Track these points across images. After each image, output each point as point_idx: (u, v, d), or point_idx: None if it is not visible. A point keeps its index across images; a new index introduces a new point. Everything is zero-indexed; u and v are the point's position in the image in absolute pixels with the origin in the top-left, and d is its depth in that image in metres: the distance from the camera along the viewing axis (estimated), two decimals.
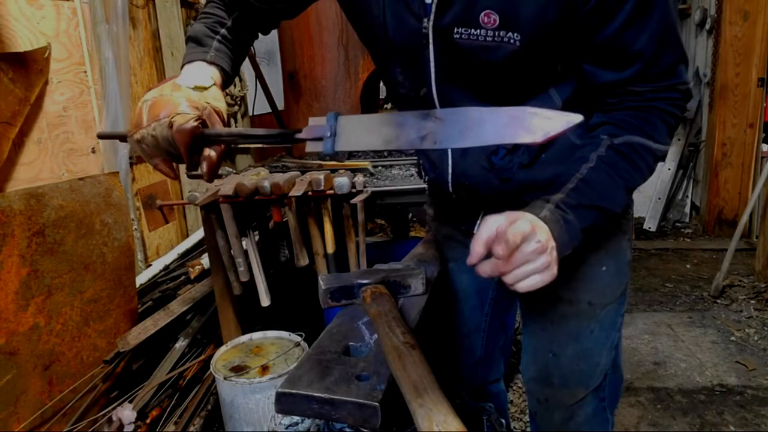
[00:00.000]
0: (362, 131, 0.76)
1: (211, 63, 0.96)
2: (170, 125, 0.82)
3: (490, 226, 0.77)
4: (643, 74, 0.85)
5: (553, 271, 0.79)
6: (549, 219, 0.81)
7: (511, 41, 0.81)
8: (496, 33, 0.82)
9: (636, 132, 0.87)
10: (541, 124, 0.63)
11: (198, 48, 0.98)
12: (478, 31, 0.82)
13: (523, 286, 0.78)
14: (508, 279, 0.78)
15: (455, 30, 0.84)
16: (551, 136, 0.62)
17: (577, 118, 0.62)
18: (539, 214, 0.81)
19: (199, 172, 0.89)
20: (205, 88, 0.90)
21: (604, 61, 0.87)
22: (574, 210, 0.84)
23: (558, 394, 1.13)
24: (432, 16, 0.85)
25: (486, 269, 0.79)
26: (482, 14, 0.81)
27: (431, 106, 0.95)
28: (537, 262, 0.77)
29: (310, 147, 0.78)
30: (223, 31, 1.01)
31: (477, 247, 0.78)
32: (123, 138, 0.94)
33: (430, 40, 0.88)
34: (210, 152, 0.86)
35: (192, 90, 0.88)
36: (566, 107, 0.91)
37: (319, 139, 0.76)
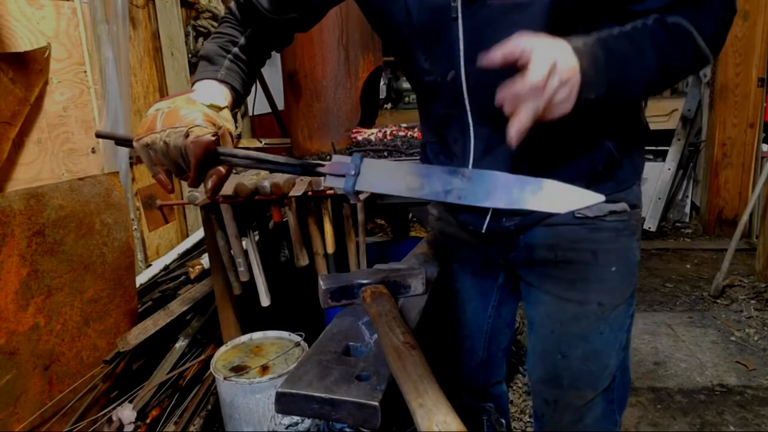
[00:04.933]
0: (386, 176, 0.78)
1: (221, 81, 0.96)
2: (186, 135, 0.81)
3: (518, 43, 0.73)
4: None
5: (569, 105, 0.75)
6: (581, 51, 0.77)
7: None
8: None
9: (686, 17, 0.83)
10: (565, 196, 0.68)
11: (209, 66, 0.98)
12: None
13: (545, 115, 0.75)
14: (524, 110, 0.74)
15: None
16: (573, 209, 0.67)
17: (599, 198, 0.66)
18: (572, 42, 0.77)
19: (201, 187, 0.89)
20: (220, 108, 0.90)
21: None
22: (609, 52, 0.80)
23: (567, 396, 1.12)
24: None
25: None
26: None
27: (459, 93, 0.93)
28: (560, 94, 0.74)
29: (330, 182, 0.80)
30: (235, 50, 1.01)
31: (495, 53, 0.74)
32: (122, 142, 0.93)
33: (459, 14, 0.86)
34: (219, 167, 0.86)
35: (207, 107, 0.88)
36: None
37: (341, 175, 0.79)
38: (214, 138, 0.82)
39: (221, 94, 0.93)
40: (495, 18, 0.84)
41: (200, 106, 0.87)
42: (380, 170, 0.78)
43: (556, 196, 0.68)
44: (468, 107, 0.95)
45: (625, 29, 0.83)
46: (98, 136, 1.03)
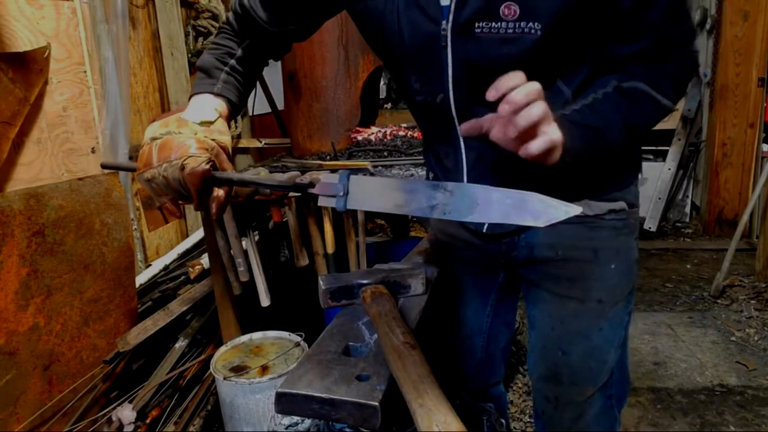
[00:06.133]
0: (373, 193, 0.81)
1: (217, 95, 0.99)
2: (182, 167, 0.84)
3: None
4: (657, 44, 0.87)
5: (555, 156, 0.78)
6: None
7: (532, 31, 0.83)
8: (517, 24, 0.83)
9: (643, 81, 0.89)
10: (544, 210, 0.71)
11: (206, 80, 1.01)
12: (499, 24, 0.84)
13: (533, 146, 0.75)
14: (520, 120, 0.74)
15: (476, 24, 0.85)
16: (553, 222, 0.70)
17: (576, 210, 0.70)
18: None
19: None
20: (211, 123, 0.93)
21: (620, 36, 0.88)
22: (575, 125, 0.85)
23: (567, 392, 1.14)
24: (451, 17, 0.86)
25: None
26: (502, 6, 0.83)
27: (448, 113, 0.96)
28: (546, 125, 0.75)
29: (322, 202, 0.84)
30: (232, 62, 1.03)
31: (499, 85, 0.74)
32: (127, 170, 0.97)
33: (449, 42, 0.89)
34: (219, 192, 0.90)
35: (198, 125, 0.91)
36: (575, 97, 0.93)
37: (332, 195, 0.82)
38: (208, 166, 0.86)
39: (212, 107, 0.96)
40: (483, 49, 0.87)
41: (192, 127, 0.90)
42: (368, 188, 0.82)
43: (537, 210, 0.70)
44: (457, 124, 0.97)
45: (586, 102, 0.88)
46: (104, 167, 1.08)
